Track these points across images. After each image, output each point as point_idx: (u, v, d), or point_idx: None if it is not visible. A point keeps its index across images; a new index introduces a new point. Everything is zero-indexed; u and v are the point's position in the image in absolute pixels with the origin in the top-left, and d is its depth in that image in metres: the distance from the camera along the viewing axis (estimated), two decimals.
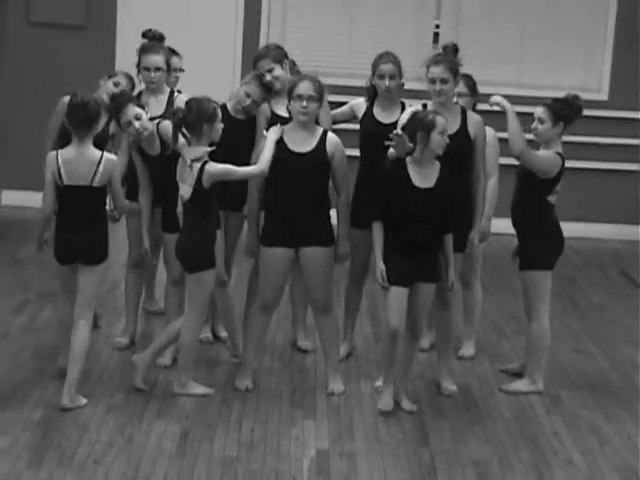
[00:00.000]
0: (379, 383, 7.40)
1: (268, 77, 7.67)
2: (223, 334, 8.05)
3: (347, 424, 6.92)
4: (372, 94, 7.77)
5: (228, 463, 6.26)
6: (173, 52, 8.20)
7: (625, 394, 7.69)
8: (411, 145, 6.96)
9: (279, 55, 7.77)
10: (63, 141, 7.69)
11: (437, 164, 7.04)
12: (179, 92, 7.92)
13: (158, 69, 7.76)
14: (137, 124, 7.17)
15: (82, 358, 6.93)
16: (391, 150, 7.09)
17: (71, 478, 5.96)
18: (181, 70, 8.32)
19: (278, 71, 7.67)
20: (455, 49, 7.48)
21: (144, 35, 7.99)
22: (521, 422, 7.11)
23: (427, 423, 6.99)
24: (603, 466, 6.54)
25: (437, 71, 7.30)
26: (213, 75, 11.16)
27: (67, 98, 7.72)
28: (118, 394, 7.11)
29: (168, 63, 7.87)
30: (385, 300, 7.15)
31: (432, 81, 7.31)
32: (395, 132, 7.06)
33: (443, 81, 7.30)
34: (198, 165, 6.90)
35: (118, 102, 7.31)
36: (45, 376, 7.30)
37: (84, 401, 6.87)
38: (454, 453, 6.58)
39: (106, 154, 6.99)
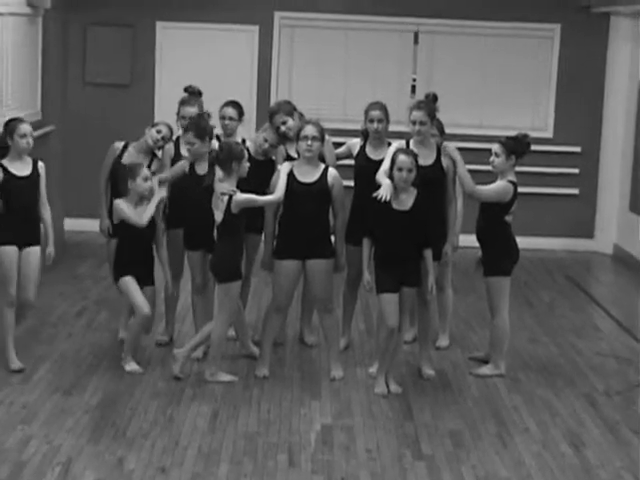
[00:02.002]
0: (372, 370, 7.39)
1: (283, 128, 7.66)
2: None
3: (346, 403, 6.91)
4: (365, 135, 7.77)
5: (250, 437, 6.26)
6: (228, 104, 7.89)
7: (571, 375, 7.67)
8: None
9: (290, 109, 7.74)
10: (113, 179, 7.74)
11: (414, 191, 7.04)
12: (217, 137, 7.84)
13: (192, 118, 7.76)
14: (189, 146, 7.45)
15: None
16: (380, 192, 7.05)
17: (124, 450, 5.96)
18: (231, 119, 7.81)
19: (290, 122, 7.63)
20: (435, 98, 7.48)
21: (185, 90, 7.97)
22: (487, 399, 7.10)
23: (411, 402, 6.98)
24: (554, 433, 6.53)
25: (418, 115, 7.30)
26: None
27: (117, 143, 7.79)
28: (160, 382, 7.11)
29: None
30: (377, 302, 7.16)
31: (413, 123, 7.31)
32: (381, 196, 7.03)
33: (422, 123, 7.30)
34: (226, 197, 6.92)
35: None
36: (101, 368, 7.29)
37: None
38: (433, 426, 6.57)
39: None
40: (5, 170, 7.01)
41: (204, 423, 6.42)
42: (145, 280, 7.28)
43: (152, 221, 7.28)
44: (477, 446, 6.27)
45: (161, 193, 7.32)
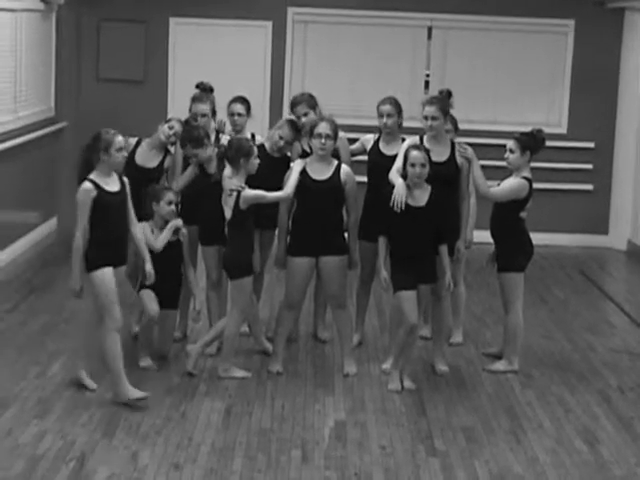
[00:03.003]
0: (385, 366, 7.39)
1: (304, 119, 7.67)
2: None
3: (359, 399, 6.92)
4: (380, 130, 7.78)
5: (264, 433, 6.27)
6: (237, 100, 7.90)
7: (585, 371, 7.67)
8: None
9: (313, 103, 7.74)
10: (126, 175, 7.76)
11: (428, 187, 7.05)
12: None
13: (204, 115, 7.77)
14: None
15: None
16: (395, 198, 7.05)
17: (137, 445, 5.98)
18: (240, 115, 7.85)
19: (312, 116, 7.63)
20: (449, 94, 7.47)
21: (197, 86, 7.99)
22: (500, 395, 7.10)
23: (424, 398, 6.99)
24: (568, 429, 6.53)
25: (430, 110, 7.29)
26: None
27: (130, 139, 7.79)
28: (174, 378, 7.13)
29: (214, 110, 7.87)
30: (393, 299, 7.19)
31: (425, 118, 7.31)
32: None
33: (434, 118, 7.29)
34: (235, 193, 6.94)
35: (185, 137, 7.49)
36: None
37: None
38: (447, 421, 6.58)
39: None
40: (98, 187, 6.57)
41: (218, 419, 6.44)
42: (168, 303, 7.32)
43: (178, 245, 7.31)
44: (490, 442, 6.28)
45: (177, 221, 7.34)
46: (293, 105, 7.76)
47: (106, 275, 6.55)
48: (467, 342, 8.19)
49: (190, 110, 7.85)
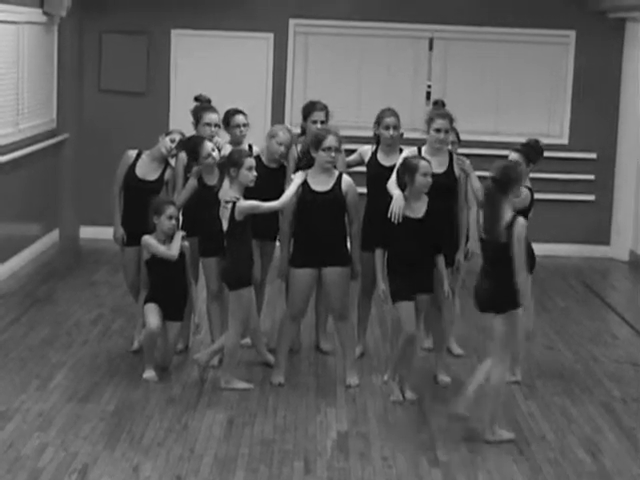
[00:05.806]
0: (387, 377, 7.37)
1: (319, 125, 7.68)
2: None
3: (362, 410, 6.91)
4: (376, 141, 7.79)
5: (266, 444, 6.26)
6: (239, 111, 7.95)
7: (588, 382, 7.65)
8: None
9: (328, 113, 7.83)
10: (126, 187, 7.77)
11: (426, 198, 7.04)
12: (250, 145, 7.90)
13: (216, 125, 7.80)
14: (215, 154, 7.37)
15: None
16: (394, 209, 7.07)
17: (139, 457, 5.97)
18: (245, 125, 7.91)
19: (324, 125, 7.68)
20: (443, 104, 7.51)
21: (197, 99, 8.00)
22: (503, 406, 7.04)
23: (426, 408, 6.98)
24: (571, 440, 6.51)
25: (444, 123, 7.30)
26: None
27: (131, 151, 7.81)
28: (176, 388, 7.12)
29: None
30: (393, 311, 7.18)
31: (438, 131, 7.30)
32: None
33: (447, 131, 7.31)
34: (230, 204, 6.94)
35: (195, 141, 7.48)
36: (117, 376, 7.31)
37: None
38: (449, 432, 6.56)
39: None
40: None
41: (220, 430, 6.42)
42: (173, 315, 7.34)
43: (182, 257, 7.33)
44: (493, 453, 6.26)
45: (180, 232, 7.38)
46: (315, 109, 7.79)
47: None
48: (469, 352, 8.16)
49: (198, 121, 7.81)
